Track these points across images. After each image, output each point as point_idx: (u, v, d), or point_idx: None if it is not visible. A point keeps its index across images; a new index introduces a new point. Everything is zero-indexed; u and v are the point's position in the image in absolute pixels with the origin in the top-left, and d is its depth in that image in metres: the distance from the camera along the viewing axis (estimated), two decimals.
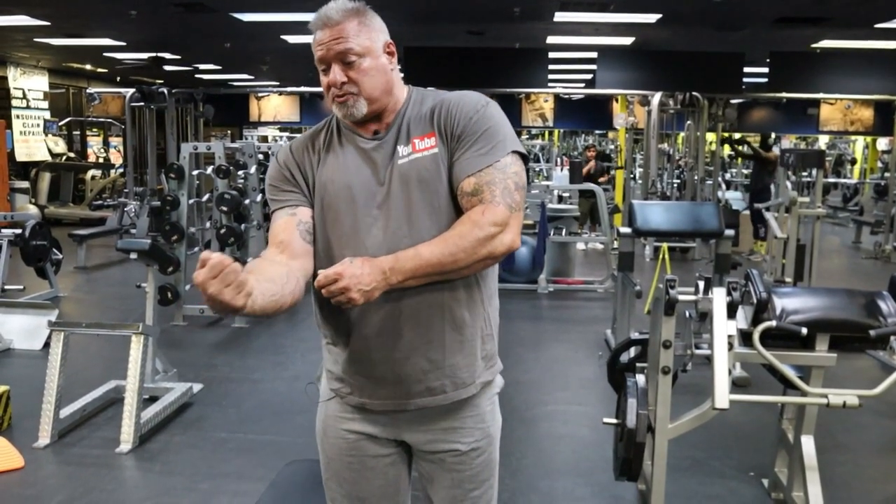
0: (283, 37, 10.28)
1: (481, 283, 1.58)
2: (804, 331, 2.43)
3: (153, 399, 4.00)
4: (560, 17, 8.69)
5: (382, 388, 1.58)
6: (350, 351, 1.57)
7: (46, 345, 4.94)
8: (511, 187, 1.50)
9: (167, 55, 12.22)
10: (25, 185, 11.98)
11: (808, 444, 2.78)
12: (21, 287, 6.52)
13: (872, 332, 2.46)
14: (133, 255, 4.14)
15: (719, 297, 2.50)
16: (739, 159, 15.16)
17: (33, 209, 10.87)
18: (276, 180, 1.62)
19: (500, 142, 1.52)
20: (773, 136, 10.55)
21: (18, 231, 6.44)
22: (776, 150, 10.65)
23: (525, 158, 1.57)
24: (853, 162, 18.18)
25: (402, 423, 1.61)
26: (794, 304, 2.58)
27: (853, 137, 16.77)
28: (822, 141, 18.31)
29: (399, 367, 1.54)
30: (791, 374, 2.50)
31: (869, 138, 16.07)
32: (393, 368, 1.55)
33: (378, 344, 1.54)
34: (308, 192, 1.60)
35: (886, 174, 12.78)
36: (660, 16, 8.61)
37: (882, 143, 16.62)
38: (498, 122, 1.54)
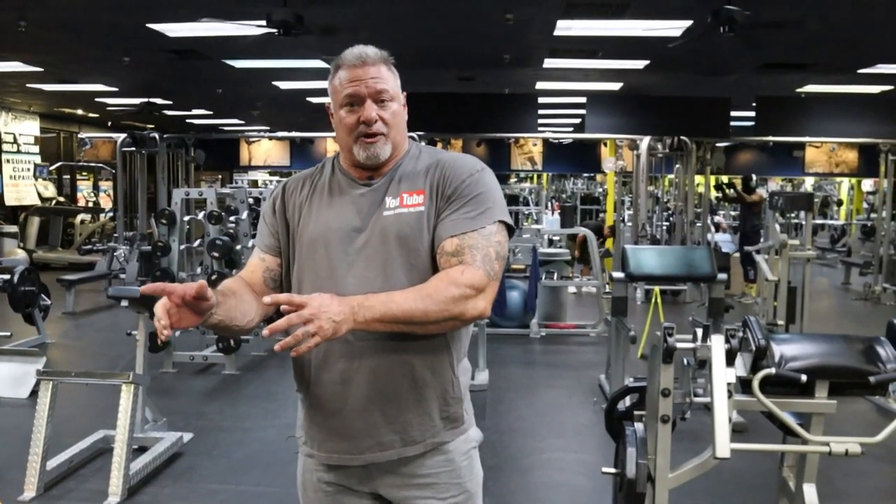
0: (275, 83, 10.38)
1: (451, 346, 1.57)
2: (804, 378, 2.42)
3: (142, 449, 3.92)
4: (549, 63, 8.83)
5: (332, 441, 1.57)
6: (310, 397, 1.58)
7: (33, 393, 4.86)
8: (492, 255, 1.49)
9: (159, 100, 12.31)
10: (14, 229, 11.93)
11: (810, 492, 2.74)
12: (8, 333, 6.42)
13: (872, 379, 2.44)
14: (124, 303, 4.10)
15: (718, 344, 2.48)
16: (727, 202, 15.31)
17: (22, 254, 10.79)
18: (266, 211, 1.68)
19: (490, 209, 1.52)
20: (754, 178, 10.66)
21: (7, 277, 6.38)
22: (761, 192, 10.77)
23: (511, 230, 1.57)
24: (839, 203, 18.41)
25: (375, 475, 1.59)
26: (792, 350, 2.56)
27: (838, 179, 17.03)
28: (808, 182, 18.53)
29: (353, 418, 1.53)
30: (791, 421, 2.48)
31: (854, 180, 16.29)
32: (346, 420, 1.54)
33: (336, 392, 1.53)
34: (285, 234, 1.63)
35: (873, 215, 12.93)
36: (647, 62, 8.75)
37: (867, 184, 16.85)
38: (490, 190, 1.55)
